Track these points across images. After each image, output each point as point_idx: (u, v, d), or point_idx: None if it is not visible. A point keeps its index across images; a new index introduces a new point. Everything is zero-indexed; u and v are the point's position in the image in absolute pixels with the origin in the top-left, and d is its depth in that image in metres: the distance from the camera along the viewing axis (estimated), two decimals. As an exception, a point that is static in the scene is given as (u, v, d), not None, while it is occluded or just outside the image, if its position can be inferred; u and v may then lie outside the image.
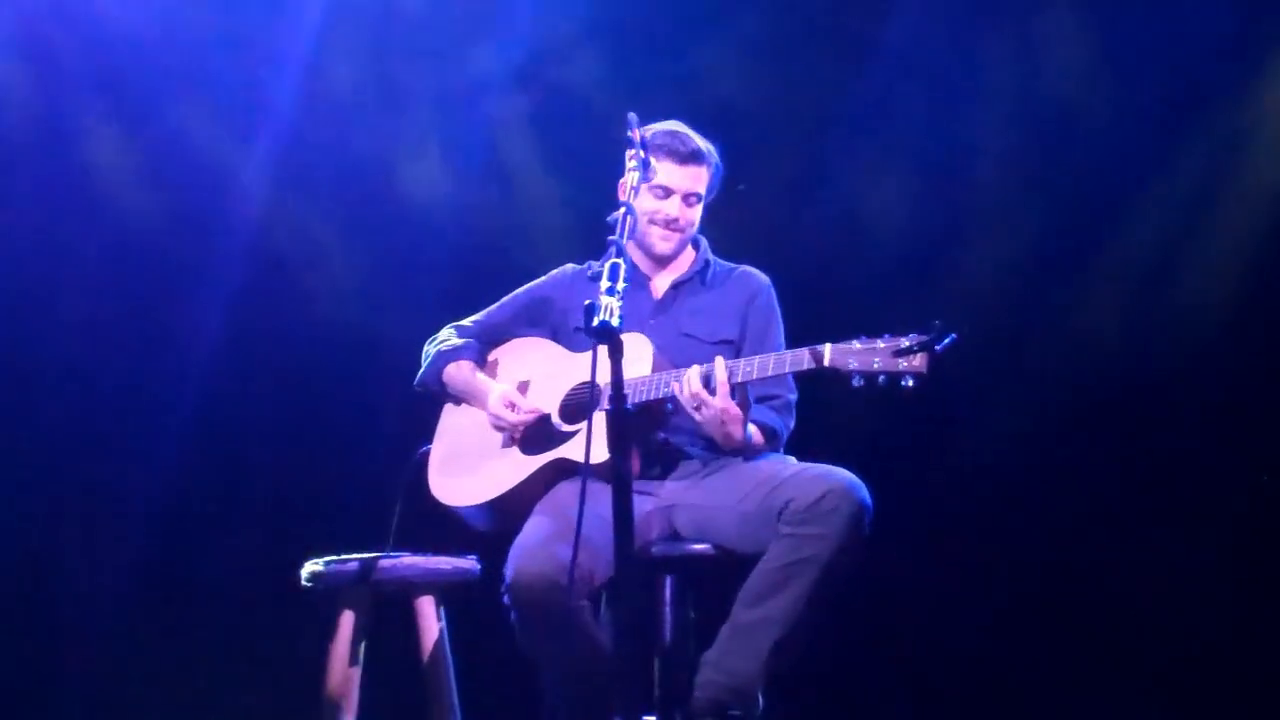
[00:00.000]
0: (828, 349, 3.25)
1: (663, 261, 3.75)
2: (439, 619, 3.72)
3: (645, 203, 3.61)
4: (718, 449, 3.58)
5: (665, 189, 3.61)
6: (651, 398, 3.43)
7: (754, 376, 3.37)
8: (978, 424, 4.61)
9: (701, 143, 3.69)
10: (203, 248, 4.92)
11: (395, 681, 3.82)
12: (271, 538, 4.65)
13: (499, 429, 3.63)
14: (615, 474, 2.79)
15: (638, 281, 2.89)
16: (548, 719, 3.19)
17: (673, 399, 3.43)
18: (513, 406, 3.61)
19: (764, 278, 3.82)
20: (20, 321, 4.85)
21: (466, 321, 3.88)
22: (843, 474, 3.33)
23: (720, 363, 3.34)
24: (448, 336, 3.85)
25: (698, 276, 3.77)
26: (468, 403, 3.76)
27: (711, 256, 3.81)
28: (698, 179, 3.70)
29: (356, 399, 4.70)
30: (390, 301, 4.79)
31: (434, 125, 5.01)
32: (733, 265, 3.84)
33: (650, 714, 3.39)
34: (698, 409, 3.35)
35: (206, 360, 4.88)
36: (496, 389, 3.66)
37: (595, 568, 3.25)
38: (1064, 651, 4.48)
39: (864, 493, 3.30)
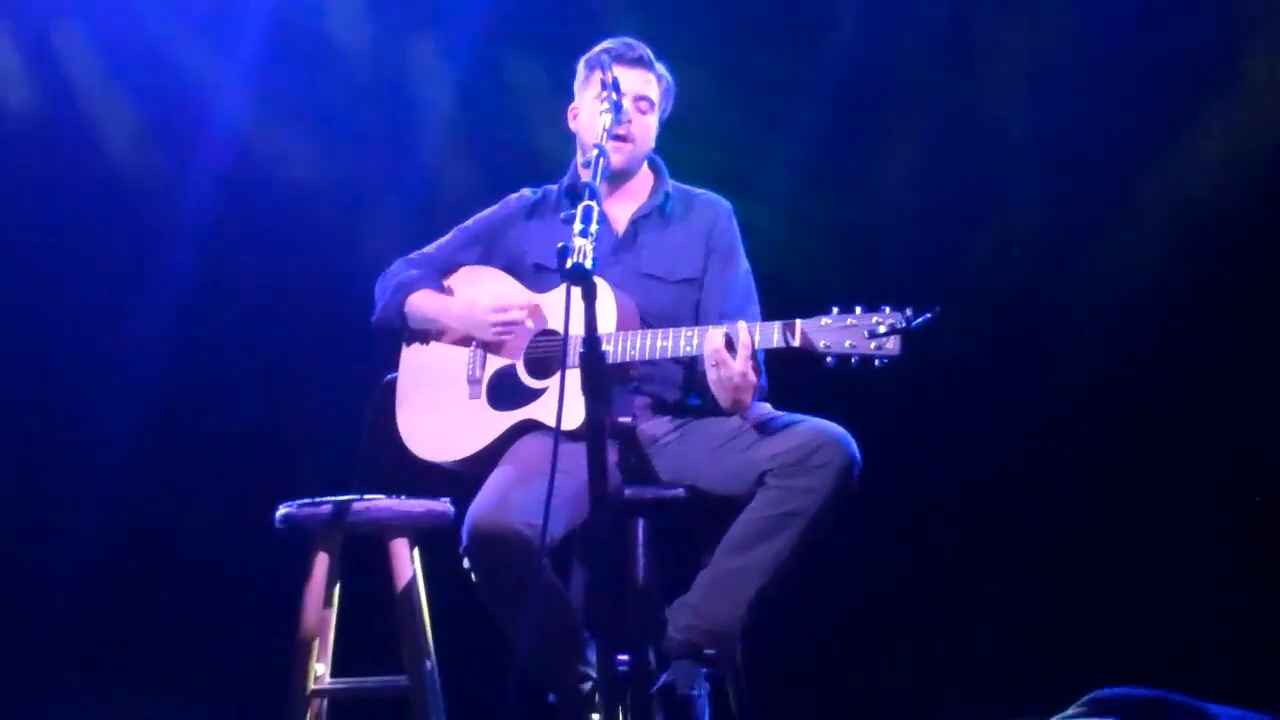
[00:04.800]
0: (799, 327, 3.23)
1: (618, 181, 3.68)
2: (412, 561, 3.72)
3: (596, 118, 3.49)
4: (697, 396, 3.59)
5: None
6: (639, 359, 3.40)
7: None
8: (962, 388, 4.61)
9: (650, 55, 3.65)
10: (175, 180, 4.89)
11: (368, 623, 3.82)
12: (245, 478, 4.64)
13: (497, 336, 3.58)
14: (590, 424, 2.77)
15: (599, 215, 2.86)
16: (519, 675, 3.19)
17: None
18: (504, 309, 3.55)
19: (724, 203, 3.78)
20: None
21: (417, 254, 3.81)
22: (833, 428, 3.32)
23: (744, 326, 3.28)
24: (400, 266, 3.79)
25: (657, 210, 3.73)
26: (434, 335, 3.71)
27: (671, 185, 3.77)
28: (647, 82, 3.65)
29: (330, 335, 4.67)
30: (362, 234, 4.75)
31: (413, 46, 4.96)
32: (692, 191, 3.80)
33: (623, 654, 3.41)
34: (715, 366, 3.29)
35: (177, 296, 4.86)
36: (473, 309, 3.59)
37: (555, 524, 3.22)
38: (1047, 616, 4.50)
39: (854, 447, 3.30)
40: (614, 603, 3.23)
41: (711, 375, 3.31)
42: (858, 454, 3.29)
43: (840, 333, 3.18)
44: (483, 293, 3.68)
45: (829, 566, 4.01)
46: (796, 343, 3.23)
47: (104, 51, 4.87)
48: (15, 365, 4.84)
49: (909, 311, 3.13)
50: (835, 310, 3.20)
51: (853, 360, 3.17)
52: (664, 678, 3.36)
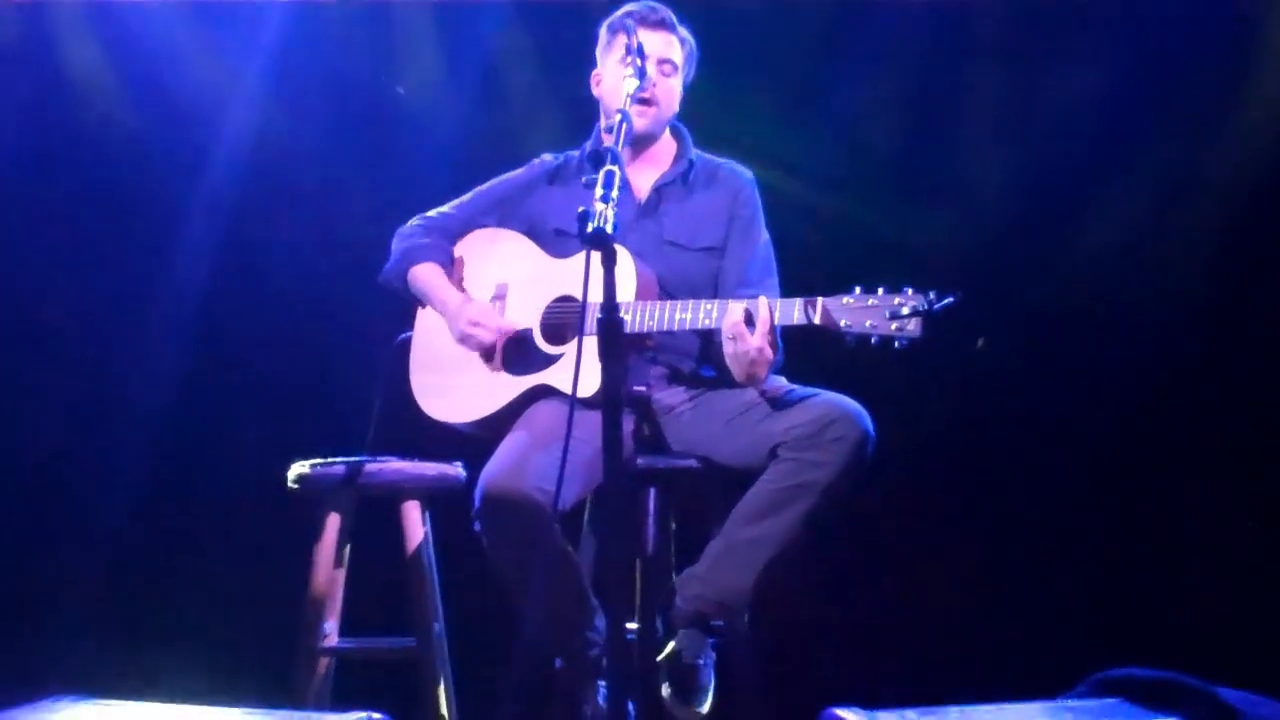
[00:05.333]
0: (820, 304, 3.23)
1: (641, 146, 3.69)
2: (424, 524, 3.73)
3: (620, 83, 3.51)
4: (713, 368, 3.59)
5: None
6: (657, 330, 3.40)
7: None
8: (976, 367, 4.59)
9: (673, 17, 3.64)
10: (196, 152, 4.88)
11: (378, 585, 3.84)
12: (259, 437, 4.66)
13: (462, 341, 3.60)
14: (606, 392, 2.75)
15: (621, 181, 2.85)
16: (526, 639, 3.20)
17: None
18: (478, 325, 3.57)
19: (747, 173, 3.78)
20: (17, 225, 4.85)
21: (435, 213, 3.81)
22: (848, 402, 3.32)
23: (763, 302, 3.27)
24: (414, 230, 3.79)
25: (680, 178, 3.73)
26: (431, 308, 3.73)
27: (695, 154, 3.77)
28: (670, 45, 3.65)
29: (346, 296, 4.67)
30: (383, 201, 4.75)
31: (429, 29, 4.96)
32: (717, 160, 3.80)
33: (631, 623, 3.43)
34: (733, 340, 3.29)
35: (199, 264, 4.87)
36: (460, 306, 3.60)
37: (568, 492, 3.22)
38: (1054, 596, 4.49)
39: (867, 421, 3.29)
40: (623, 571, 3.24)
41: (728, 349, 3.30)
42: (871, 429, 3.29)
43: (862, 312, 3.18)
44: (497, 270, 3.68)
45: (838, 541, 4.03)
46: (818, 320, 3.23)
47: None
48: (47, 328, 4.87)
49: (932, 294, 3.13)
50: (858, 290, 3.20)
51: (872, 340, 3.17)
52: (670, 646, 3.37)
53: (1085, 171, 4.65)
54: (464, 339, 3.60)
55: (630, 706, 3.16)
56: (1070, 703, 2.53)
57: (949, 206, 4.68)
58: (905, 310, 3.13)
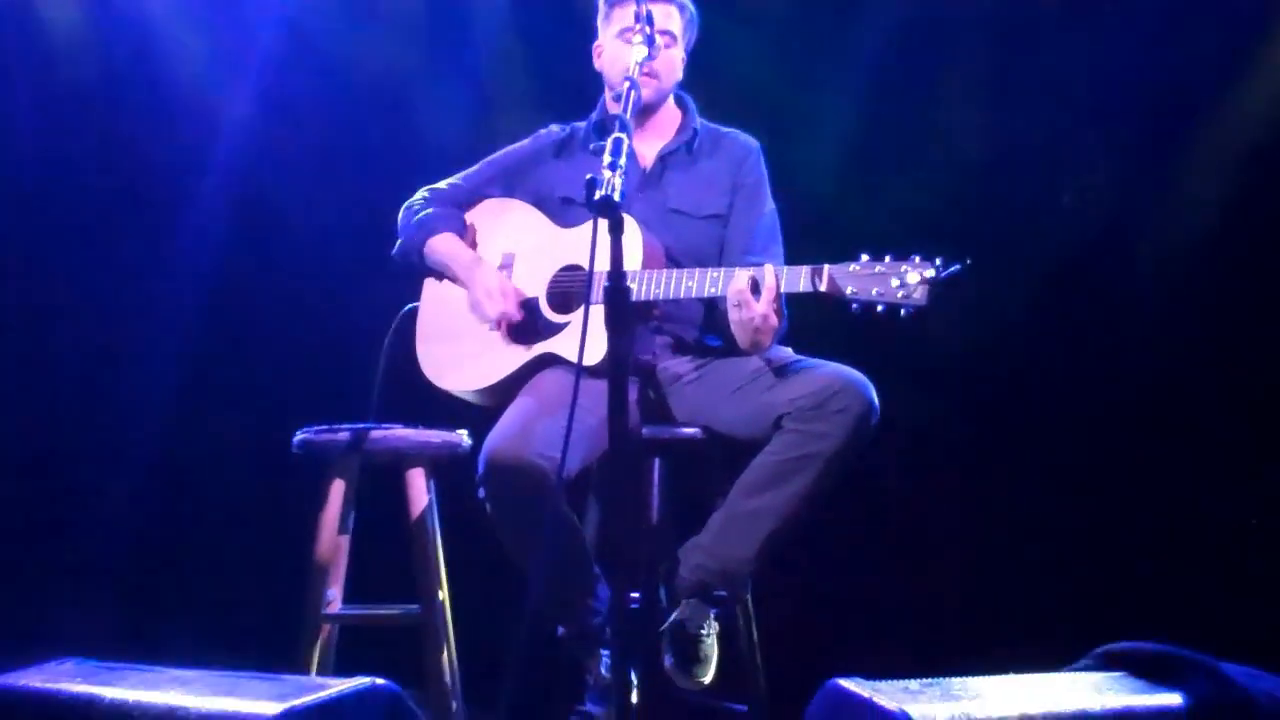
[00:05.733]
0: (826, 272, 3.22)
1: (644, 116, 3.66)
2: (428, 491, 3.73)
3: (621, 54, 3.54)
4: (718, 337, 3.59)
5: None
6: (663, 298, 3.40)
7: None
8: (983, 338, 4.59)
9: None
10: (208, 119, 4.89)
11: (382, 552, 3.84)
12: (264, 404, 4.65)
13: (478, 307, 3.61)
14: (611, 360, 2.75)
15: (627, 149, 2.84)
16: (530, 607, 3.20)
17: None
18: (497, 296, 3.57)
19: (752, 141, 3.77)
20: (31, 186, 4.85)
21: (443, 185, 3.81)
22: (851, 373, 3.31)
23: (769, 269, 3.27)
24: (424, 202, 3.79)
25: (684, 146, 3.72)
26: (451, 280, 3.73)
27: (699, 122, 3.76)
28: (668, 16, 3.64)
29: (353, 264, 4.66)
30: (392, 170, 4.74)
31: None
32: (721, 129, 3.79)
33: (634, 592, 3.43)
34: (738, 307, 3.28)
35: (207, 233, 4.87)
36: (486, 274, 3.61)
37: (572, 459, 3.23)
38: (1060, 569, 4.49)
39: (872, 392, 3.29)
40: (627, 540, 3.25)
41: (733, 315, 3.30)
42: (876, 400, 3.29)
43: (868, 280, 3.16)
44: (505, 239, 3.68)
45: (843, 512, 4.03)
46: (824, 288, 3.22)
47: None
48: (56, 296, 4.88)
49: (938, 262, 3.12)
50: (864, 257, 3.19)
51: (879, 308, 3.15)
52: (674, 616, 3.38)
53: (1102, 140, 4.63)
54: (481, 312, 3.60)
55: (633, 676, 3.15)
56: (1074, 675, 2.52)
57: (957, 175, 4.65)
58: (912, 278, 3.12)
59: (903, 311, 3.14)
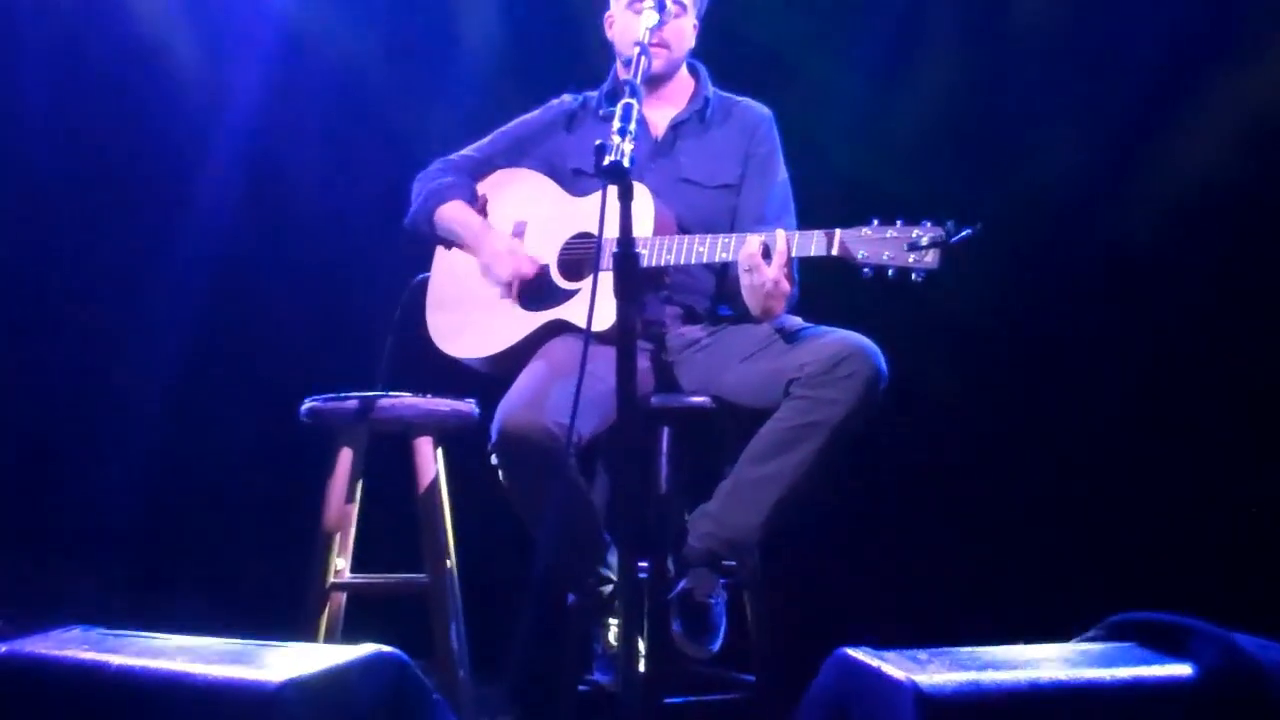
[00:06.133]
0: (838, 236, 3.22)
1: (656, 85, 3.65)
2: (436, 460, 3.73)
3: (631, 24, 3.53)
4: (728, 306, 3.57)
5: None
6: (674, 264, 3.39)
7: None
8: (995, 307, 4.56)
9: None
10: (218, 89, 4.89)
11: (390, 521, 3.84)
12: (272, 372, 4.64)
13: (498, 281, 3.60)
14: (620, 326, 2.73)
15: (637, 117, 2.83)
16: (539, 575, 3.20)
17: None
18: (514, 257, 3.57)
19: (765, 110, 3.75)
20: (39, 158, 4.86)
21: (457, 156, 3.81)
22: (860, 339, 3.31)
23: (781, 234, 3.26)
24: (436, 172, 3.79)
25: (696, 115, 3.70)
26: (460, 247, 3.72)
27: (711, 91, 3.74)
28: None
29: (364, 233, 4.65)
30: (403, 139, 4.72)
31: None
32: (733, 98, 3.77)
33: (643, 560, 3.43)
34: (749, 272, 3.28)
35: (217, 203, 4.87)
36: (496, 238, 3.61)
37: (583, 426, 3.24)
38: (1069, 539, 4.48)
39: (880, 359, 3.28)
40: (636, 508, 3.24)
41: (745, 280, 3.30)
42: (884, 367, 3.28)
43: (879, 244, 3.17)
44: (516, 207, 3.67)
45: (852, 479, 4.02)
46: (835, 252, 3.22)
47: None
48: (65, 266, 4.90)
49: (950, 225, 3.12)
50: (875, 221, 3.19)
51: (889, 272, 3.16)
52: (682, 584, 3.37)
53: (1121, 112, 4.59)
54: (496, 273, 3.59)
55: (641, 644, 3.16)
56: (1083, 645, 2.52)
57: (969, 142, 4.63)
58: (924, 241, 3.13)
59: (914, 275, 3.15)
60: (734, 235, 3.35)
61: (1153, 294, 4.51)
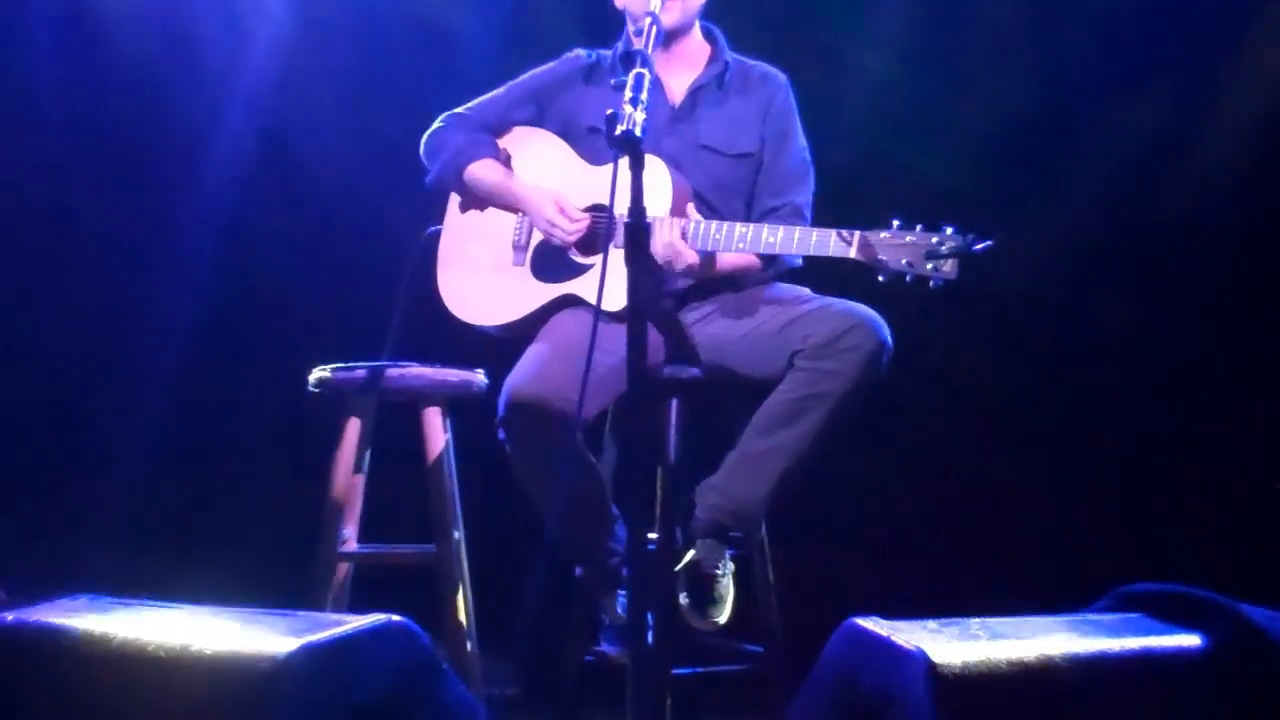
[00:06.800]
0: (856, 238, 3.21)
1: (672, 43, 3.57)
2: (445, 430, 3.72)
3: None
4: (733, 283, 3.56)
5: None
6: (703, 247, 3.37)
7: (777, 249, 3.33)
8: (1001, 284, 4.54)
9: None
10: (228, 54, 4.86)
11: (399, 491, 3.83)
12: (283, 342, 4.63)
13: (549, 238, 3.55)
14: (632, 299, 2.70)
15: (653, 83, 2.80)
16: (545, 548, 3.20)
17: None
18: (568, 215, 3.51)
19: (781, 77, 3.71)
20: (52, 122, 4.85)
21: (466, 109, 3.72)
22: (864, 311, 3.30)
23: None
24: (451, 128, 3.69)
25: (715, 81, 3.66)
26: (496, 205, 3.66)
27: (730, 56, 3.70)
28: None
29: (373, 203, 4.64)
30: (414, 100, 4.69)
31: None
32: (750, 62, 3.72)
33: (652, 533, 3.43)
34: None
35: (225, 170, 4.86)
36: (545, 196, 3.54)
37: (591, 402, 3.22)
38: (1077, 510, 4.48)
39: (885, 331, 3.28)
40: (644, 481, 3.24)
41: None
42: (889, 339, 3.27)
43: (898, 249, 3.16)
44: (531, 171, 3.63)
45: (861, 452, 4.01)
46: (854, 255, 3.20)
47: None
48: (74, 235, 4.88)
49: (970, 236, 3.10)
50: (895, 224, 3.17)
51: (907, 278, 3.15)
52: (689, 556, 3.37)
53: (1129, 99, 4.59)
54: (549, 229, 3.53)
55: (649, 616, 3.15)
56: (1092, 616, 2.51)
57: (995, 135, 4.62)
58: (944, 249, 3.11)
59: (932, 283, 3.14)
60: (748, 226, 3.35)
61: (1160, 268, 4.52)
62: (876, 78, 4.64)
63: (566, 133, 3.66)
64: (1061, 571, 4.08)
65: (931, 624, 2.34)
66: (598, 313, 2.79)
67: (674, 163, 3.48)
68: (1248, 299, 4.46)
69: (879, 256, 3.16)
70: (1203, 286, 4.48)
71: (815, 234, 3.27)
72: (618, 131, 2.67)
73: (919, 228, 3.15)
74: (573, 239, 3.51)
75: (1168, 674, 2.32)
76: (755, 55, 3.76)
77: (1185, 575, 2.61)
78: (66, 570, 4.26)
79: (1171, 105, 4.54)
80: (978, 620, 2.38)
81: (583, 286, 3.49)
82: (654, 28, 3.00)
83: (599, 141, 3.53)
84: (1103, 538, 4.36)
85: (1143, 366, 4.51)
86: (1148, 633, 2.39)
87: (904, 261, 3.14)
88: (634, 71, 2.79)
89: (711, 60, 3.67)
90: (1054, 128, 4.61)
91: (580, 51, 3.75)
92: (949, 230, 3.13)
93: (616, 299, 3.12)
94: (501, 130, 3.71)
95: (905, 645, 2.23)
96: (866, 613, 2.39)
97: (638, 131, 2.68)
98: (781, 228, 3.31)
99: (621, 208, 2.71)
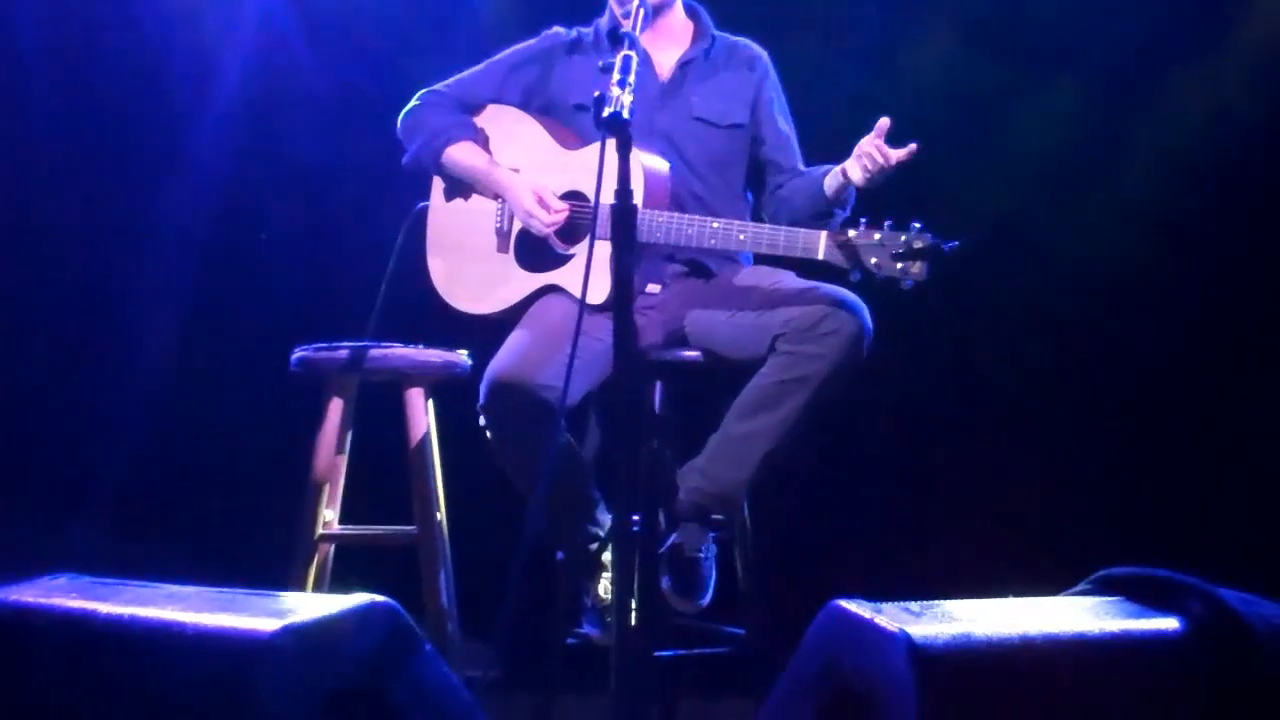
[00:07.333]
0: (823, 241, 3.20)
1: (657, 17, 3.52)
2: (427, 411, 3.72)
3: None
4: (719, 263, 3.56)
5: None
6: (662, 242, 3.34)
7: (747, 248, 3.36)
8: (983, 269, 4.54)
9: None
10: (216, 30, 4.84)
11: (380, 472, 3.83)
12: (265, 321, 4.61)
13: (528, 227, 3.51)
14: (617, 284, 2.72)
15: (641, 59, 2.79)
16: (527, 531, 3.20)
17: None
18: (546, 205, 3.47)
19: (761, 50, 3.72)
20: (37, 97, 4.82)
21: (443, 86, 3.68)
22: (846, 295, 3.30)
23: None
24: (428, 106, 3.64)
25: (703, 54, 3.66)
26: (473, 189, 3.63)
27: (716, 32, 3.70)
28: None
29: (357, 182, 4.62)
30: (402, 80, 4.67)
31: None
32: (730, 37, 3.72)
33: (634, 515, 3.42)
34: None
35: (210, 148, 4.83)
36: (524, 185, 3.50)
37: (575, 388, 3.20)
38: (1059, 494, 4.50)
39: (865, 315, 3.28)
40: (627, 464, 3.23)
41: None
42: (869, 323, 3.28)
43: (866, 250, 3.16)
44: (509, 154, 3.60)
45: (844, 435, 4.02)
46: (821, 257, 3.21)
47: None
48: (60, 212, 4.86)
49: (938, 236, 3.12)
50: (863, 223, 3.16)
51: (877, 278, 3.15)
52: (671, 539, 3.37)
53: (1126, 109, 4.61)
54: (527, 218, 3.49)
55: (631, 599, 3.15)
56: (1073, 599, 2.52)
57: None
58: (913, 247, 3.11)
59: (903, 284, 3.14)
60: (719, 222, 3.32)
61: (1151, 258, 4.52)
62: (855, 70, 4.64)
63: (550, 110, 3.63)
64: (1043, 555, 4.08)
65: (914, 606, 2.35)
66: (582, 307, 2.80)
67: (669, 138, 3.50)
68: (1231, 290, 4.49)
69: (846, 258, 3.16)
70: (1184, 275, 4.50)
71: (784, 234, 3.27)
72: (605, 113, 2.67)
73: (887, 225, 3.14)
74: (551, 230, 3.49)
75: (1146, 655, 2.34)
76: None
77: (1163, 558, 2.62)
78: (47, 550, 4.26)
79: (1165, 102, 4.55)
80: (960, 603, 2.39)
81: (565, 277, 3.47)
82: (641, 10, 3.01)
83: (585, 119, 3.51)
84: (1083, 522, 4.38)
85: (1121, 350, 4.53)
86: (1127, 615, 2.40)
87: (872, 262, 3.14)
88: (621, 54, 2.79)
89: (698, 35, 3.67)
90: (1042, 121, 4.61)
91: (559, 29, 3.72)
92: (917, 227, 3.13)
93: (600, 292, 3.13)
94: (480, 108, 3.67)
95: (887, 627, 2.23)
96: (849, 595, 2.39)
97: (625, 114, 2.68)
98: (750, 226, 3.32)
99: (606, 197, 2.70)
